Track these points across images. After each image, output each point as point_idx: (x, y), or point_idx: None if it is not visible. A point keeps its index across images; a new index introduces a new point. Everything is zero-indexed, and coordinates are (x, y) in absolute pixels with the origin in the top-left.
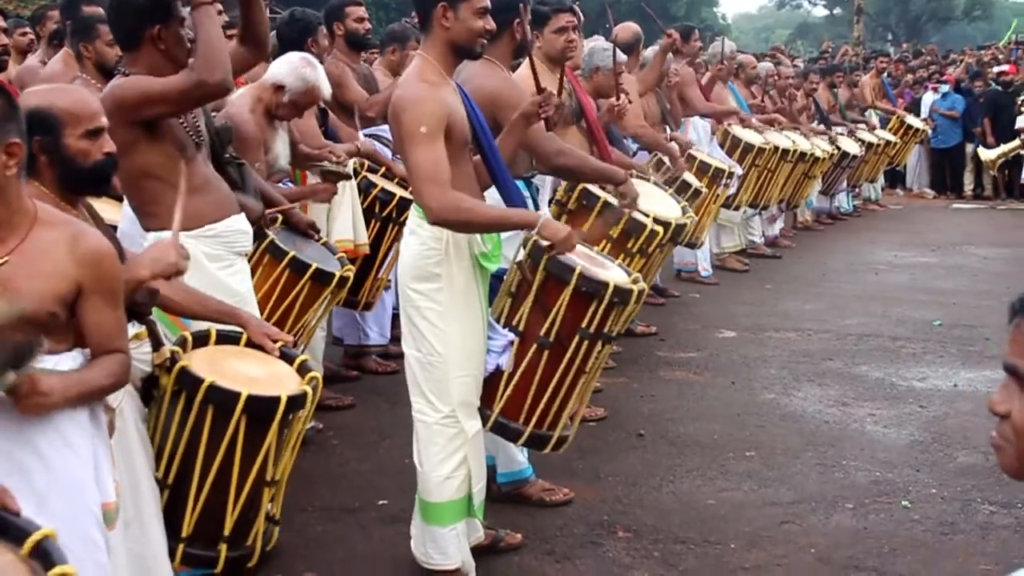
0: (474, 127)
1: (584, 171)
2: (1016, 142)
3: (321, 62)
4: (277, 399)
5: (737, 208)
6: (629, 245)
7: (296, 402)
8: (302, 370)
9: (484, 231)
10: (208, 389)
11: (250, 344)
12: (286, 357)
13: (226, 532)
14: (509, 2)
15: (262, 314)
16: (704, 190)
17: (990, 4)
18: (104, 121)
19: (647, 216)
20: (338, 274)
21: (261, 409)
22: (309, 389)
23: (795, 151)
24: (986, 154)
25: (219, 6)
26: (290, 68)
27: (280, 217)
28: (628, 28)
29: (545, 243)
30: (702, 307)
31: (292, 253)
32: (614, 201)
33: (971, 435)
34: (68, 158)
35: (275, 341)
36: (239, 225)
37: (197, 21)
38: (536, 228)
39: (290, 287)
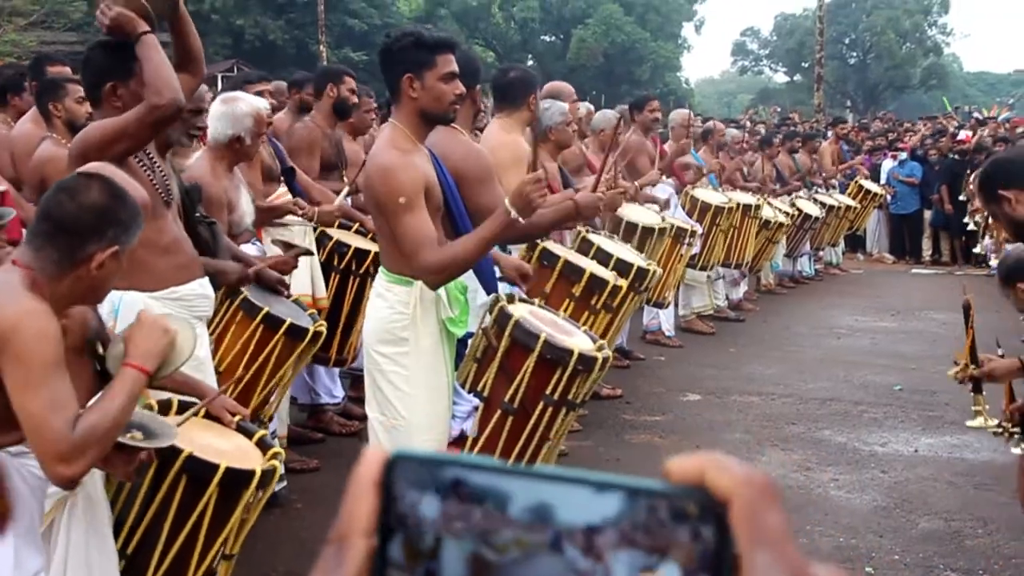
0: (444, 191)
1: (542, 227)
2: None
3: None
4: (252, 473)
5: (704, 268)
6: (593, 302)
7: (267, 477)
8: (261, 445)
9: (477, 261)
10: (186, 460)
11: (207, 416)
12: (243, 431)
13: None
14: (470, 68)
15: (236, 372)
16: (658, 225)
17: (945, 73)
18: None
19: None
20: (312, 329)
21: (235, 482)
22: (278, 464)
23: (758, 206)
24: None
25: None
26: (230, 118)
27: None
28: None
29: (515, 213)
30: (667, 370)
31: (266, 309)
32: (573, 258)
33: (932, 501)
34: None
35: (233, 415)
36: (202, 290)
37: (140, 54)
38: (509, 208)
39: (264, 343)
